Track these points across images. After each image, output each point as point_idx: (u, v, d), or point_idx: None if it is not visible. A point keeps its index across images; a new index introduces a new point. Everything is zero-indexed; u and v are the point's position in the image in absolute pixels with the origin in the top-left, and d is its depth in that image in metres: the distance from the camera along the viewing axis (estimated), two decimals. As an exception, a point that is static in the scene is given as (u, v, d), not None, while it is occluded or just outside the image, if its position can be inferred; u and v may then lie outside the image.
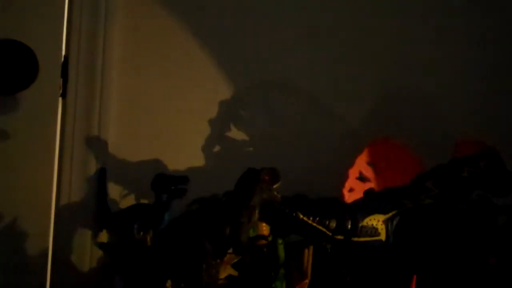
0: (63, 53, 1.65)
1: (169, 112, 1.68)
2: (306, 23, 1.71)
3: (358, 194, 1.48)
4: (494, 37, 1.74)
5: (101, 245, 1.53)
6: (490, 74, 1.73)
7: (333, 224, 1.31)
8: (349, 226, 1.31)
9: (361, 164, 1.57)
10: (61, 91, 1.65)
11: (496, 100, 1.73)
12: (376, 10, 1.72)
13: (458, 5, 1.73)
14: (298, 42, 1.70)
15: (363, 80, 1.71)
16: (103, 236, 1.60)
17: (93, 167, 1.65)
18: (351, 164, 1.57)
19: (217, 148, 1.69)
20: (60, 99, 1.65)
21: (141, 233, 1.41)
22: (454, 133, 1.64)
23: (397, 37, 1.72)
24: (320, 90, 1.70)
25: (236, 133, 1.70)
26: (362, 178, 1.57)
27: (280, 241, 1.33)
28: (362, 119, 1.68)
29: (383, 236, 1.32)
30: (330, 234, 1.30)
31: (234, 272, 1.28)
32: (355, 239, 1.31)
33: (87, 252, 1.63)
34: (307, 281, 1.31)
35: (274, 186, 1.29)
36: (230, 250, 1.28)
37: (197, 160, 1.68)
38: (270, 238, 1.31)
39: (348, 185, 1.55)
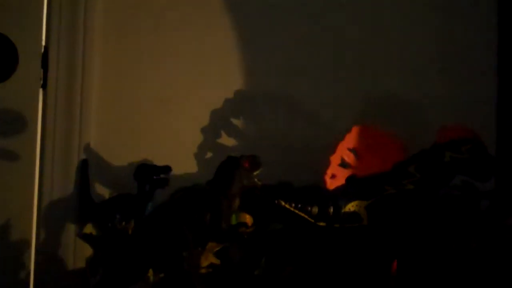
0: (43, 43, 1.63)
1: (150, 103, 1.67)
2: (293, 35, 1.70)
3: (340, 181, 1.48)
4: (475, 41, 1.74)
5: (83, 236, 1.52)
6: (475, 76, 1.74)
7: (315, 211, 1.31)
8: (331, 213, 1.31)
9: (343, 150, 1.57)
10: (41, 82, 1.63)
11: (478, 100, 1.73)
12: (360, 19, 1.72)
13: (441, 12, 1.74)
14: (286, 53, 1.70)
15: (347, 88, 1.71)
16: (87, 228, 1.59)
17: (75, 159, 1.63)
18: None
19: (197, 133, 1.68)
20: (40, 90, 1.63)
21: (123, 223, 1.40)
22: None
23: (382, 44, 1.72)
24: (306, 98, 1.70)
25: (226, 139, 1.69)
26: (344, 165, 1.57)
27: None
28: (348, 126, 1.67)
29: (365, 222, 1.32)
30: (313, 220, 1.30)
31: (216, 261, 1.28)
32: (338, 225, 1.32)
33: (71, 246, 1.62)
34: (290, 268, 1.31)
35: (255, 173, 1.29)
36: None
37: (183, 150, 1.68)
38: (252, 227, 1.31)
39: (330, 171, 1.54)
